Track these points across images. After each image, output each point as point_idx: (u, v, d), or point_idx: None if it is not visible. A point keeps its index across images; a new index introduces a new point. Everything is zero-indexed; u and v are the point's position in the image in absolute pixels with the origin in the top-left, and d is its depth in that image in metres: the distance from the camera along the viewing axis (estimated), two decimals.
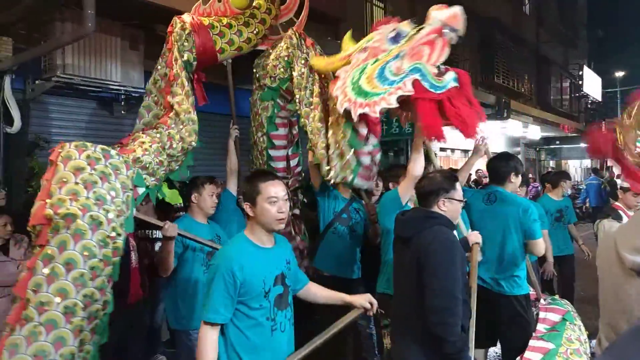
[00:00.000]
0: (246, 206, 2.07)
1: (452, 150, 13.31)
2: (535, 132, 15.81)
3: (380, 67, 2.89)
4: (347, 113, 2.99)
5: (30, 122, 4.77)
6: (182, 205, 4.65)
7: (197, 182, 3.21)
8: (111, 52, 4.87)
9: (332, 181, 3.41)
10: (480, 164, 5.41)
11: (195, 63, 3.25)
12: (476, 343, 2.61)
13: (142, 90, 5.28)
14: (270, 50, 4.01)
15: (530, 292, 3.36)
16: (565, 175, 5.70)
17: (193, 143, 3.06)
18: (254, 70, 4.06)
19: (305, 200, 4.94)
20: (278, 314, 2.06)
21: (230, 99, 4.03)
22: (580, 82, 20.77)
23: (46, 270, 2.23)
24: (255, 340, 2.00)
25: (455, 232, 2.52)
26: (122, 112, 5.53)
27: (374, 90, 2.83)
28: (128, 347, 4.12)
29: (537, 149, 19.15)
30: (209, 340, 1.94)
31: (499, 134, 13.95)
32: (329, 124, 3.41)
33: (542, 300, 3.38)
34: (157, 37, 5.15)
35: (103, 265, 2.37)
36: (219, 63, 3.61)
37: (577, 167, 23.37)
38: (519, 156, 16.30)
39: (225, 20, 3.41)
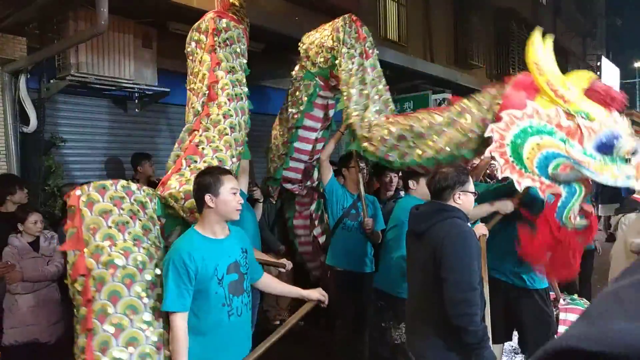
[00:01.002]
0: (207, 197, 2.15)
1: None
2: None
3: (554, 153, 2.40)
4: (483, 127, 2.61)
5: (45, 121, 4.82)
6: None
7: None
8: (124, 50, 4.89)
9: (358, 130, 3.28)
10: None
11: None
12: (493, 338, 2.59)
13: (155, 88, 5.30)
14: (316, 33, 3.84)
15: (550, 293, 3.31)
16: None
17: (234, 159, 2.79)
18: (300, 44, 3.95)
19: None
20: (234, 299, 2.19)
21: None
22: (598, 73, 20.35)
23: (109, 327, 2.08)
24: (212, 324, 2.14)
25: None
26: (136, 110, 5.56)
27: (526, 163, 2.45)
28: None
29: None
30: (178, 328, 2.07)
31: None
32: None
33: (561, 300, 3.32)
34: (170, 34, 5.16)
35: (159, 304, 2.20)
36: None
37: None
38: None
39: (238, 15, 3.36)
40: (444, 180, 2.40)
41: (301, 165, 4.03)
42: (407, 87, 8.31)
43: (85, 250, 2.18)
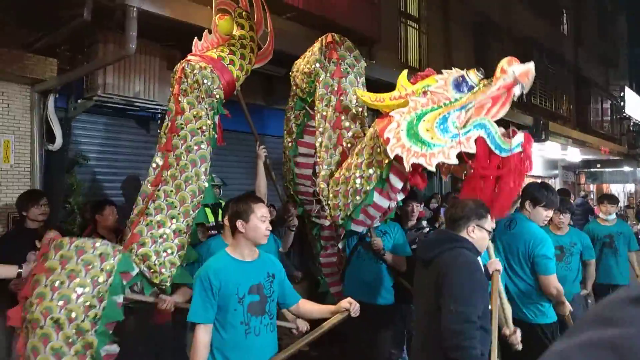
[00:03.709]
0: (238, 223, 2.33)
1: None
2: (574, 155, 15.32)
3: (442, 117, 2.66)
4: (387, 158, 2.82)
5: (70, 140, 4.92)
6: (215, 224, 4.67)
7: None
8: (149, 72, 5.00)
9: (328, 216, 3.31)
10: None
11: (223, 99, 3.20)
12: None
13: None
14: (301, 59, 3.88)
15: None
16: (606, 198, 5.39)
17: (191, 211, 2.96)
18: (291, 75, 3.99)
19: None
20: (252, 319, 2.30)
21: (248, 120, 3.91)
22: (622, 104, 20.08)
23: None
24: (230, 340, 2.26)
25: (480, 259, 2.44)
26: (158, 130, 5.62)
27: (432, 140, 2.62)
28: None
29: (576, 171, 18.53)
30: (198, 339, 2.22)
31: (536, 156, 13.58)
32: (355, 159, 3.20)
33: None
34: None
35: (78, 358, 2.44)
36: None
37: (619, 191, 22.48)
38: (557, 179, 15.81)
39: (225, 49, 3.34)
40: (461, 210, 2.34)
41: (309, 189, 4.02)
42: None
43: (25, 303, 2.46)
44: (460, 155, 2.59)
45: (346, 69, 3.59)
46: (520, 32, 11.80)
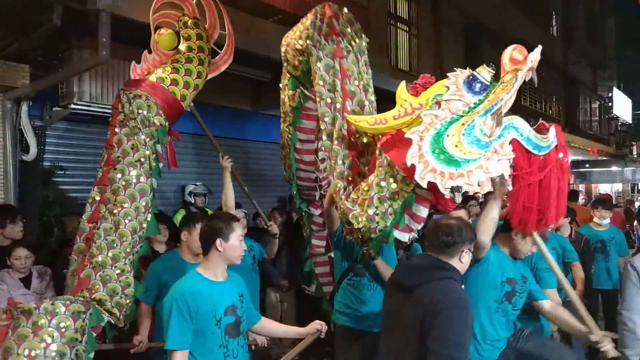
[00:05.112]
0: (217, 242, 2.25)
1: None
2: None
3: (467, 126, 2.33)
4: (409, 187, 2.48)
5: (45, 150, 4.71)
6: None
7: (191, 219, 3.09)
8: (127, 78, 4.78)
9: (358, 231, 2.73)
10: None
11: (167, 124, 3.07)
12: None
13: None
14: (292, 32, 3.37)
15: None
16: (600, 203, 5.36)
17: (134, 248, 2.90)
18: (282, 50, 3.49)
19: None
20: (230, 341, 2.26)
21: (206, 132, 3.78)
22: (610, 104, 20.24)
23: None
24: None
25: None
26: None
27: (465, 156, 2.28)
28: None
29: None
30: None
31: None
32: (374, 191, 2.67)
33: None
34: None
35: None
36: (186, 111, 3.35)
37: (607, 191, 22.62)
38: None
39: (168, 68, 3.18)
40: (458, 235, 2.14)
41: (312, 175, 3.77)
42: None
43: None
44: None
45: (347, 46, 3.14)
46: (511, 33, 11.71)
